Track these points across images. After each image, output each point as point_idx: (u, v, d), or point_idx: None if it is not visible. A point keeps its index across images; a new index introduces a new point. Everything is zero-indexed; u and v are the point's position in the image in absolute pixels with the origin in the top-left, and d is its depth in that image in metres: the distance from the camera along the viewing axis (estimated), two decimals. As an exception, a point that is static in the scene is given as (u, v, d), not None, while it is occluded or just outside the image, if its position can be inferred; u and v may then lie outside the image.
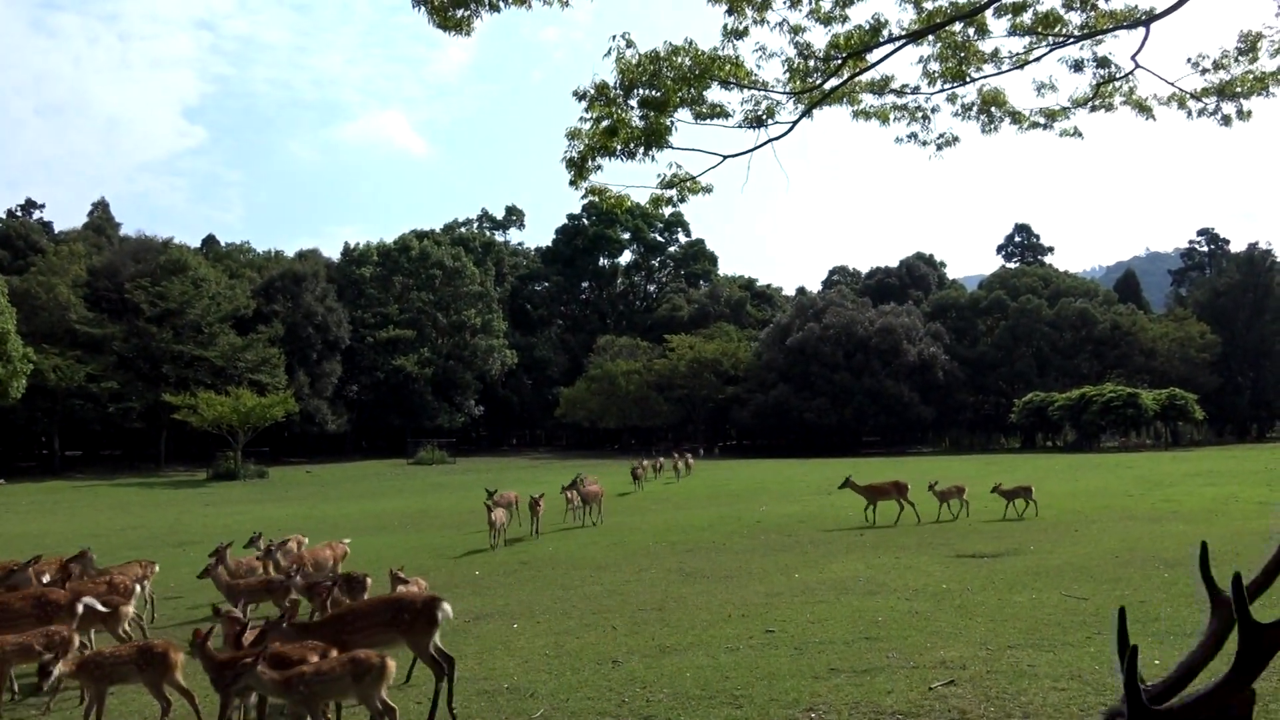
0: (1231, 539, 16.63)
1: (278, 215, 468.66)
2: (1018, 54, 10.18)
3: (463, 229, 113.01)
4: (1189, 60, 10.25)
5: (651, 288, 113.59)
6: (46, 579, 11.29)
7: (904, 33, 9.59)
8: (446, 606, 8.65)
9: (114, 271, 70.09)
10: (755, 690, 8.26)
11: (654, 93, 9.08)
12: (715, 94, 9.72)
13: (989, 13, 9.73)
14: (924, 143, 11.01)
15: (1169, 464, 43.50)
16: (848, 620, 11.04)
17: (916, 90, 10.55)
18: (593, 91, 9.21)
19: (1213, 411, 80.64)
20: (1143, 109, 10.66)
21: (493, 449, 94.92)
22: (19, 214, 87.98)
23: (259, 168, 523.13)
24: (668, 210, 10.95)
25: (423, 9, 8.42)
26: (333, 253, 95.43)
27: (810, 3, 9.24)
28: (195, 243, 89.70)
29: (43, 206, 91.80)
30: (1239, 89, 10.16)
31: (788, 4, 9.19)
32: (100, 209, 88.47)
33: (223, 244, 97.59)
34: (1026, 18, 9.80)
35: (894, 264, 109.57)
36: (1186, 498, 25.60)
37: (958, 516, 22.19)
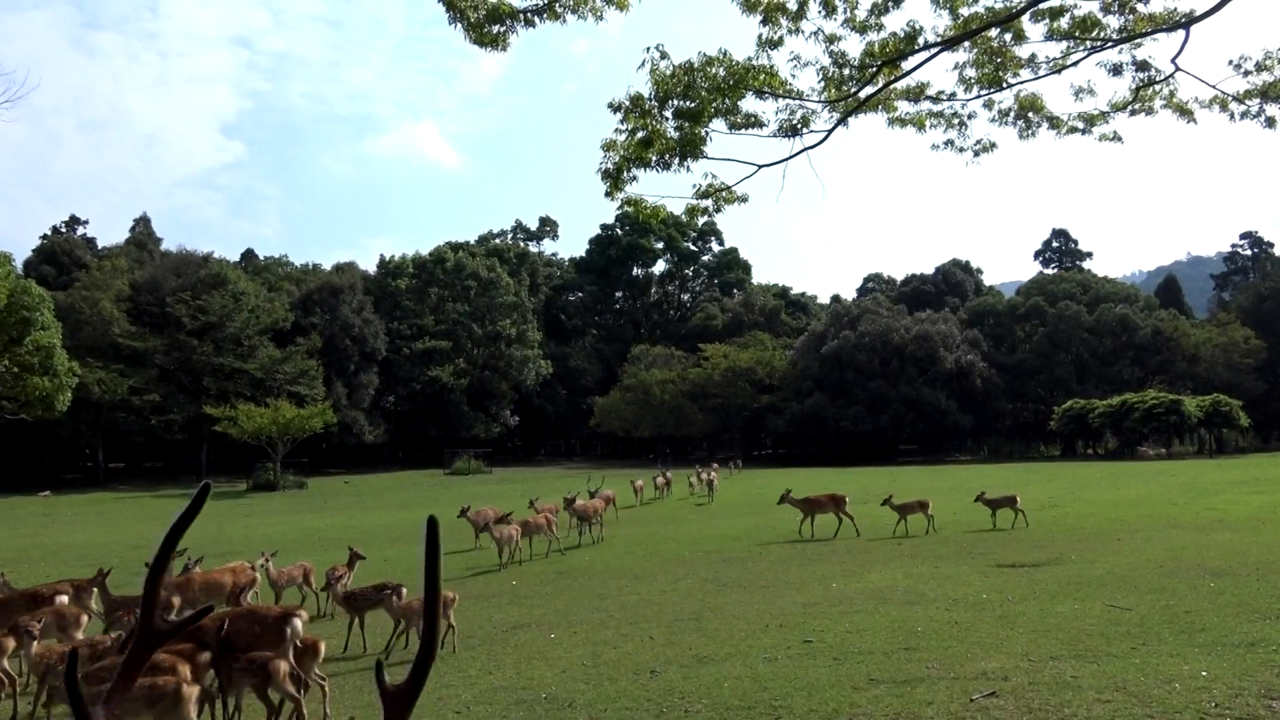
0: (1279, 548, 16.34)
1: (314, 228, 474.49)
2: (1055, 59, 10.10)
3: (497, 240, 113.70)
4: (1231, 62, 10.11)
5: (685, 297, 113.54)
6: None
7: (939, 39, 9.54)
8: (297, 623, 8.98)
9: (156, 286, 71.28)
10: (794, 701, 8.22)
11: (688, 103, 9.10)
12: (750, 104, 9.72)
13: (1026, 18, 9.66)
14: (960, 149, 10.94)
15: (1213, 472, 42.76)
16: (887, 630, 10.96)
17: (953, 97, 10.50)
18: (627, 103, 9.24)
19: (1258, 418, 79.14)
20: (1184, 112, 10.53)
21: (528, 459, 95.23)
22: (63, 230, 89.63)
23: (295, 182, 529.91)
24: (702, 220, 10.97)
25: (459, 25, 8.50)
26: (369, 265, 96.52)
27: (845, 11, 9.22)
28: (234, 257, 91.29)
29: (86, 222, 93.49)
30: (1283, 90, 10.00)
31: (823, 13, 9.18)
32: (142, 224, 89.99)
33: (261, 258, 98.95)
34: (1064, 22, 9.71)
35: (930, 271, 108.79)
36: (1232, 506, 25.14)
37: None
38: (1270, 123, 10.19)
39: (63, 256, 78.18)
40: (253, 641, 8.55)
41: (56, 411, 54.68)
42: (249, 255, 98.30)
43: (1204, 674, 8.38)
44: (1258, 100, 10.11)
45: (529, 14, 8.61)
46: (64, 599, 11.34)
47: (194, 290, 69.79)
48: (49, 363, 52.80)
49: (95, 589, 12.27)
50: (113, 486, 64.52)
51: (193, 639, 8.24)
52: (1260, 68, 9.98)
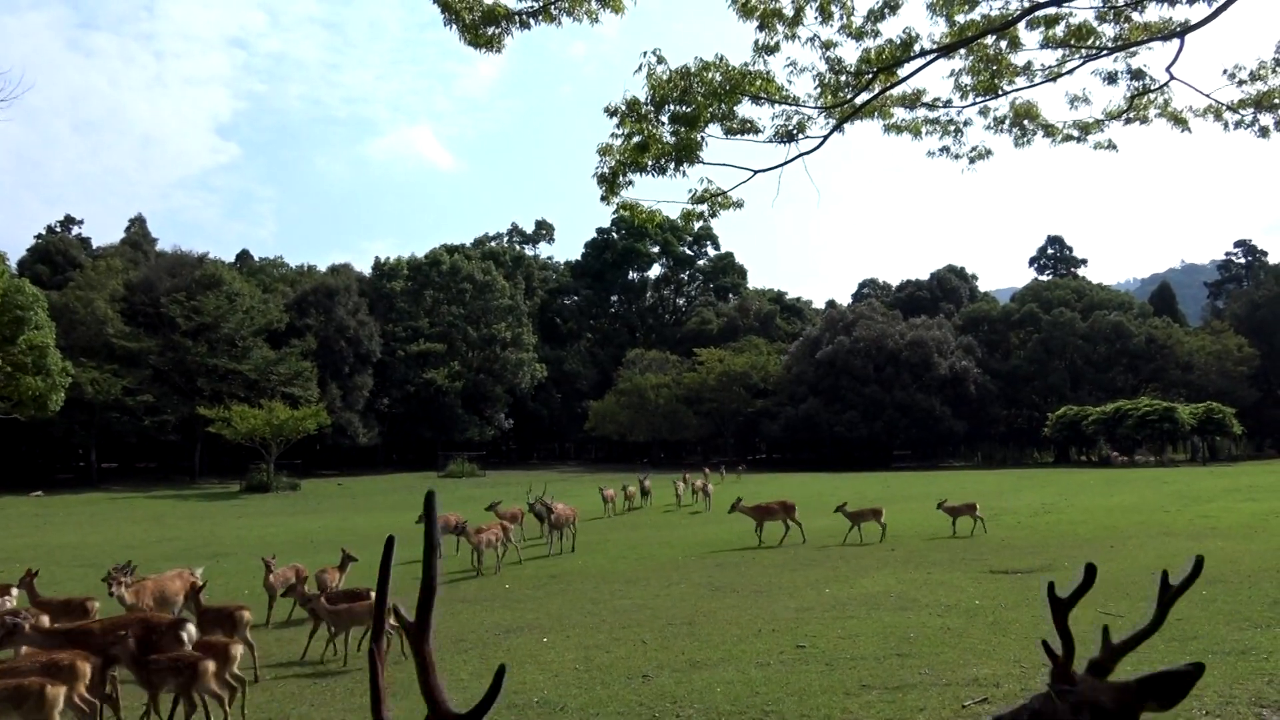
0: (1272, 555, 16.38)
1: (310, 230, 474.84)
2: (1050, 67, 10.13)
3: (492, 243, 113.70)
4: (1225, 71, 10.16)
5: (681, 301, 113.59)
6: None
7: (935, 47, 9.57)
8: (191, 629, 9.23)
9: (150, 286, 71.12)
10: (786, 706, 8.22)
11: (685, 108, 9.12)
12: (746, 109, 9.74)
13: (1021, 25, 9.70)
14: (956, 156, 10.97)
15: (1206, 479, 42.84)
16: (879, 636, 10.96)
17: (948, 104, 10.53)
18: (624, 108, 9.26)
19: (1251, 426, 79.40)
20: (1178, 121, 10.57)
21: (522, 462, 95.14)
22: (58, 230, 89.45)
23: (291, 183, 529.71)
24: (698, 225, 10.98)
25: (454, 27, 8.51)
26: (364, 267, 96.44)
27: (841, 18, 9.25)
28: (229, 258, 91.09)
29: (81, 222, 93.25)
30: (1277, 100, 10.04)
31: (819, 19, 9.20)
32: (137, 225, 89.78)
33: (256, 259, 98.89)
34: (1059, 30, 9.75)
35: (925, 277, 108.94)
36: (1225, 514, 25.19)
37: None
38: (1264, 132, 10.23)
39: (57, 256, 78.05)
40: (149, 650, 8.61)
41: (49, 411, 54.49)
42: (244, 256, 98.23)
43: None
44: (1251, 110, 10.16)
45: (524, 16, 8.63)
46: None
47: (189, 291, 69.62)
48: (42, 362, 52.65)
49: (21, 590, 12.22)
50: (105, 487, 64.32)
51: (84, 645, 8.33)
52: (1254, 77, 10.03)
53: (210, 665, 8.24)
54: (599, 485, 35.49)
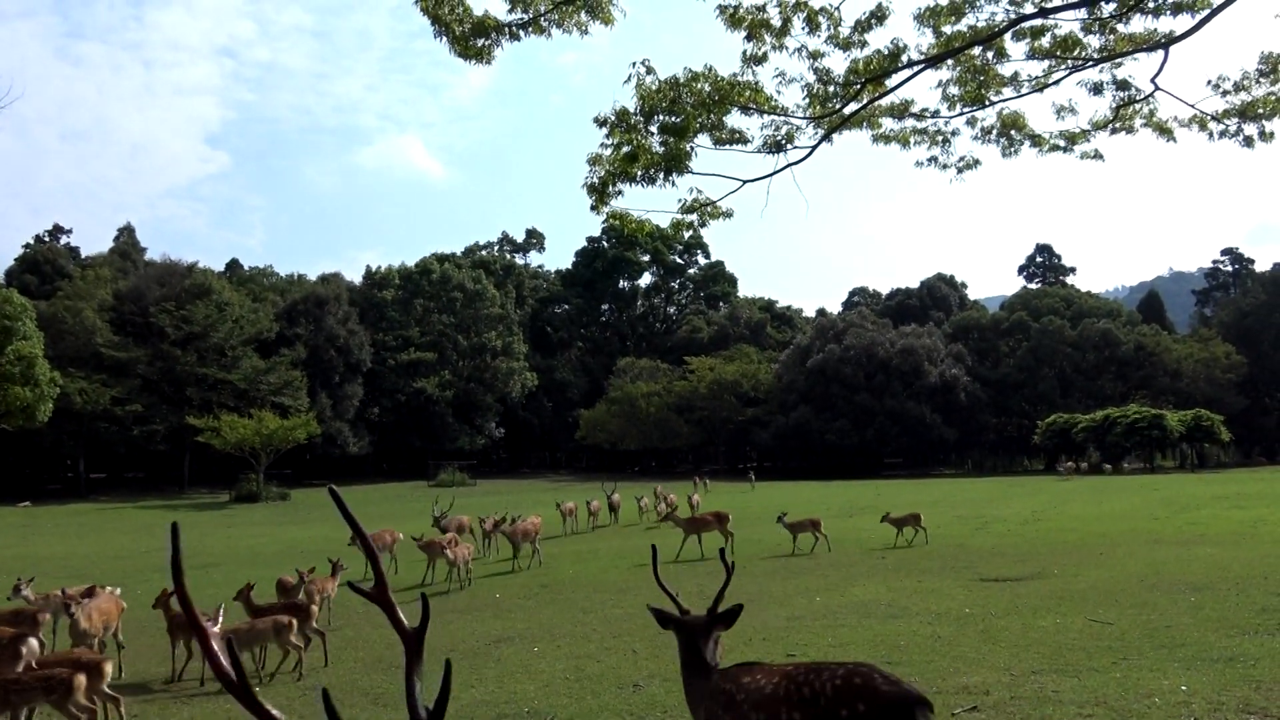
0: (1260, 562, 16.44)
1: (300, 239, 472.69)
2: (1037, 77, 10.22)
3: (483, 252, 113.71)
4: (1209, 82, 10.26)
5: (671, 310, 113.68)
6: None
7: (923, 57, 9.64)
8: (33, 643, 9.12)
9: (139, 296, 70.85)
10: (777, 715, 8.21)
11: (674, 119, 9.15)
12: (735, 119, 9.80)
13: (1008, 36, 9.77)
14: (944, 166, 11.05)
15: (1195, 486, 43.00)
16: (869, 644, 10.98)
17: (936, 114, 10.61)
18: (613, 118, 9.29)
19: (1239, 433, 79.68)
20: (1163, 131, 10.66)
21: (513, 471, 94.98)
22: (46, 239, 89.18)
23: (281, 192, 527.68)
24: (688, 234, 11.02)
25: (444, 39, 8.54)
26: (355, 276, 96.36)
27: (829, 28, 9.30)
28: (219, 267, 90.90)
29: (69, 232, 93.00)
30: (1261, 110, 10.14)
31: (806, 30, 9.25)
32: (126, 234, 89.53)
33: (246, 268, 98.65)
34: (1045, 41, 9.83)
35: (914, 285, 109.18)
36: (1213, 521, 25.28)
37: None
38: (1248, 142, 10.32)
39: (45, 266, 77.77)
40: None
41: (38, 421, 54.38)
42: (234, 265, 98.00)
43: (1183, 689, 8.43)
44: (1236, 120, 10.25)
45: (513, 28, 8.66)
46: None
47: (178, 300, 69.36)
48: (30, 372, 52.51)
49: None
50: (94, 497, 64.03)
51: None
52: (1238, 88, 10.12)
53: (81, 680, 8.19)
54: (556, 500, 32.81)
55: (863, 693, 3.99)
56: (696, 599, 15.07)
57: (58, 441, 64.62)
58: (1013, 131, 10.80)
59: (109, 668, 9.06)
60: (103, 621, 11.33)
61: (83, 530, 40.02)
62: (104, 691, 8.77)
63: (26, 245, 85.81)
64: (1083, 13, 9.58)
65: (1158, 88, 10.13)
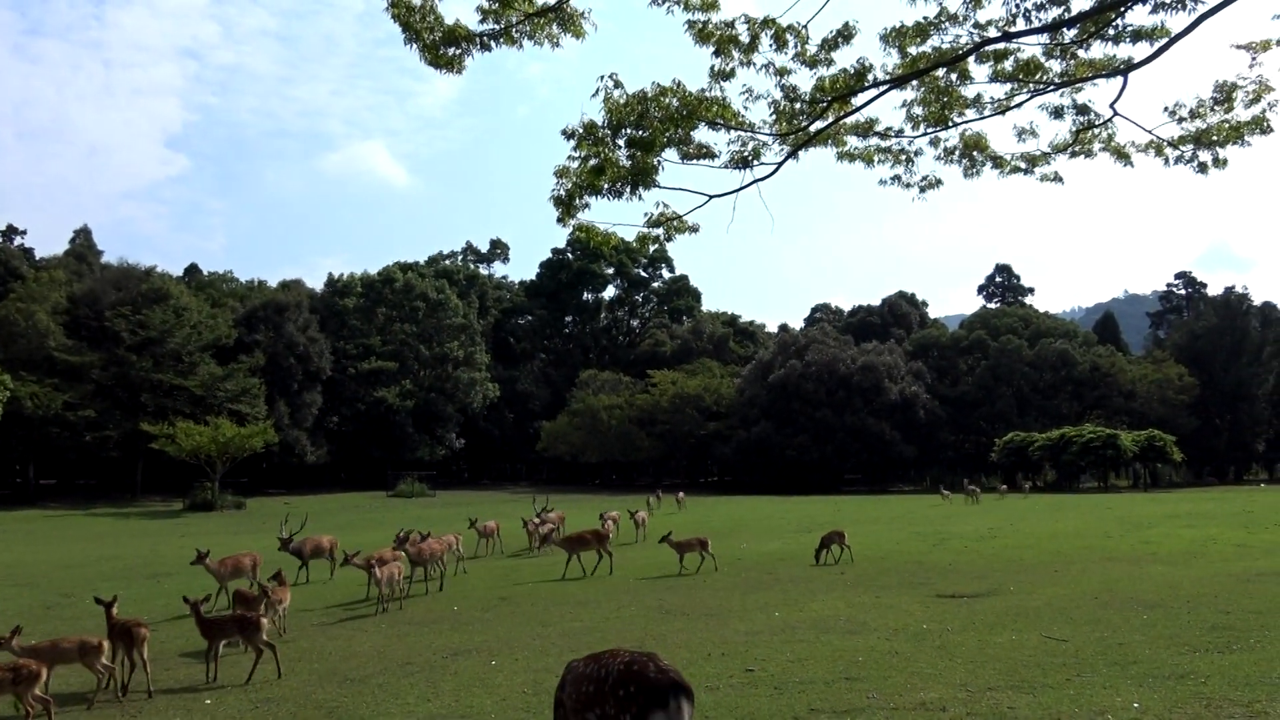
0: (1210, 581, 16.72)
1: (262, 245, 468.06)
2: (999, 100, 10.36)
3: (447, 261, 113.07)
4: (1166, 109, 10.45)
5: (635, 323, 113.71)
6: None
7: (888, 77, 9.73)
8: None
9: (95, 299, 69.55)
10: (735, 730, 8.21)
11: (641, 133, 9.16)
12: (702, 134, 9.81)
13: (972, 59, 9.90)
14: (907, 185, 11.14)
15: (1148, 505, 43.69)
16: (828, 660, 11.01)
17: (900, 133, 10.70)
18: (581, 131, 9.28)
19: (1191, 453, 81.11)
20: (1121, 156, 10.85)
21: (473, 482, 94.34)
22: (0, 240, 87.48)
23: (242, 197, 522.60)
24: (653, 248, 11.06)
25: (415, 47, 8.51)
26: (316, 283, 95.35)
27: (796, 46, 9.36)
28: (178, 271, 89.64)
29: (24, 233, 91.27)
30: (1215, 137, 10.34)
31: (774, 47, 9.31)
32: (82, 236, 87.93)
33: (205, 273, 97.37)
34: (1008, 65, 9.97)
35: (876, 302, 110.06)
36: (1166, 539, 25.70)
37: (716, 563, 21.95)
38: (1202, 168, 10.52)
39: (-2, 267, 76.23)
40: None
41: (-14, 426, 53.18)
42: (193, 270, 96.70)
43: (1135, 705, 8.54)
44: (1191, 146, 10.45)
45: (485, 38, 8.64)
46: None
47: (134, 305, 68.16)
48: (-20, 375, 51.38)
49: None
50: (44, 504, 62.71)
51: None
52: (1194, 115, 10.32)
53: (44, 671, 8.60)
54: (469, 517, 30.71)
55: (636, 676, 4.77)
56: (655, 614, 15.09)
57: (7, 446, 63.23)
58: (975, 152, 10.94)
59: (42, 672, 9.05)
60: None
61: (32, 538, 39.18)
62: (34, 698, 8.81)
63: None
64: (1045, 38, 9.74)
65: (1116, 113, 10.32)
